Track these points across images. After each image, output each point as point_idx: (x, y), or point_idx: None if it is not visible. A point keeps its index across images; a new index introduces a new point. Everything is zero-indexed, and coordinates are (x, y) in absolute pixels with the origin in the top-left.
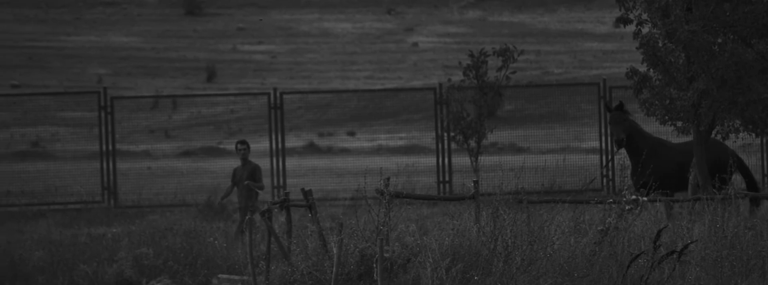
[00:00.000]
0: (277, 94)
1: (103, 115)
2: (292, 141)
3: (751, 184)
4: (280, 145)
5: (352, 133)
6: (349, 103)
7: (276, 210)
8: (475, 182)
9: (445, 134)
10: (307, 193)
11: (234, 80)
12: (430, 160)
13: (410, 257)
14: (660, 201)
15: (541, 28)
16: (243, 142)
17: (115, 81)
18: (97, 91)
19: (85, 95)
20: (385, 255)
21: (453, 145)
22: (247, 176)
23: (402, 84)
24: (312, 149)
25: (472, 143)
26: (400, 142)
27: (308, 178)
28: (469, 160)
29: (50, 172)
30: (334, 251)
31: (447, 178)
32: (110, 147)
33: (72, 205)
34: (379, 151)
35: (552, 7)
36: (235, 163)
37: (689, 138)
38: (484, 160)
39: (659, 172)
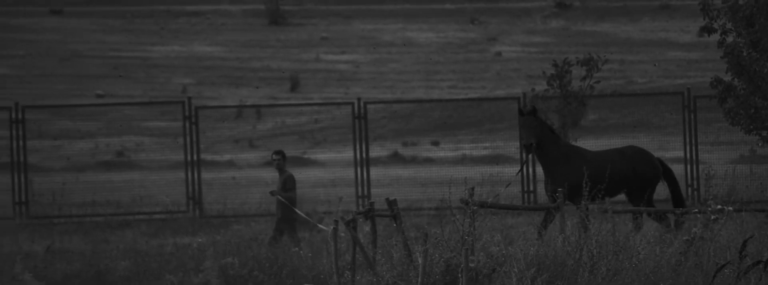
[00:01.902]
0: (361, 104)
1: (187, 124)
2: (376, 151)
3: (677, 194)
4: (364, 155)
5: (436, 143)
6: (432, 112)
7: (361, 220)
8: (561, 192)
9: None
10: (391, 203)
11: (318, 90)
12: (514, 170)
13: (495, 267)
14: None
15: (625, 38)
16: (278, 153)
17: (199, 91)
18: (181, 101)
19: (169, 105)
20: (470, 265)
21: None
22: (279, 186)
23: (486, 93)
24: (396, 159)
25: None
26: (484, 152)
27: (392, 187)
28: None
29: (135, 182)
30: (419, 261)
31: (532, 188)
32: (195, 157)
33: (157, 215)
34: (463, 160)
35: (635, 16)
36: (319, 172)
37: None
38: None
39: (568, 180)
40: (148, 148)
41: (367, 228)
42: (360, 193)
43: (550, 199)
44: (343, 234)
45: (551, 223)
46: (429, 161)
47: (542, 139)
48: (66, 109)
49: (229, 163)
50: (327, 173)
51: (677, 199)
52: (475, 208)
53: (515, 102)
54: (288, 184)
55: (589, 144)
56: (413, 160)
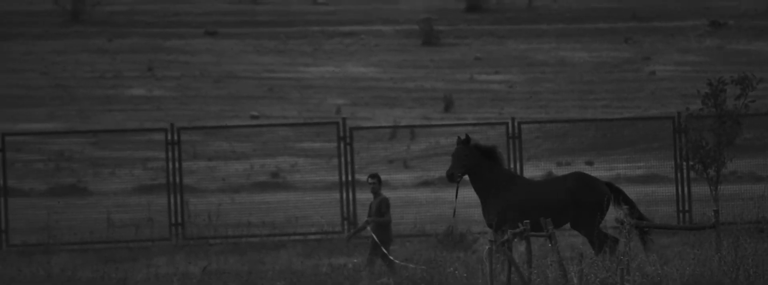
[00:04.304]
0: (515, 124)
1: (342, 145)
2: (531, 170)
3: (635, 214)
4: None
5: (590, 163)
6: (586, 132)
7: (516, 240)
8: (716, 211)
9: (684, 163)
10: (545, 223)
11: (471, 110)
12: (669, 189)
13: None
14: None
15: None
16: (373, 176)
17: (353, 111)
18: (336, 122)
19: (324, 126)
20: None
21: (692, 174)
22: (374, 210)
23: (640, 113)
24: None
25: (712, 172)
26: (639, 172)
27: None
28: (709, 189)
29: (290, 203)
30: (575, 281)
31: (687, 208)
32: (349, 177)
33: (312, 236)
34: (617, 180)
35: None
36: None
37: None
38: (724, 189)
39: (496, 208)
40: (303, 168)
41: (522, 248)
42: None
43: (489, 226)
44: (498, 254)
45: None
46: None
47: (474, 168)
48: (221, 130)
49: (383, 183)
50: None
51: (637, 218)
52: (630, 227)
53: (670, 121)
54: (382, 208)
55: (744, 163)
56: None
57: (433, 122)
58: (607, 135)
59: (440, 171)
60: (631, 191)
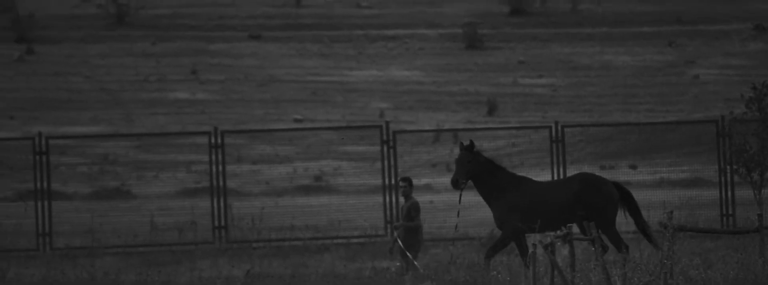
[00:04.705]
0: (559, 127)
1: (385, 149)
2: None
3: (637, 218)
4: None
5: (633, 166)
6: (630, 135)
7: (559, 243)
8: (759, 215)
9: (728, 167)
10: (589, 227)
11: (515, 113)
12: (713, 193)
13: None
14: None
15: None
16: (404, 180)
17: (396, 115)
18: (379, 126)
19: (367, 129)
20: None
21: (736, 178)
22: (404, 214)
23: (683, 117)
24: None
25: (755, 176)
26: (682, 175)
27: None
28: (753, 193)
29: (333, 206)
30: None
31: (730, 211)
32: (393, 181)
33: (355, 239)
34: (661, 184)
35: None
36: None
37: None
38: None
39: (500, 211)
40: (346, 172)
41: (566, 251)
42: None
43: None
44: (541, 257)
45: (500, 249)
46: (627, 185)
47: (478, 173)
48: (264, 133)
49: (426, 187)
50: None
51: (638, 222)
52: (674, 231)
53: (713, 125)
54: (412, 212)
55: None
56: None
57: (477, 126)
58: (650, 139)
59: None
60: (674, 195)
